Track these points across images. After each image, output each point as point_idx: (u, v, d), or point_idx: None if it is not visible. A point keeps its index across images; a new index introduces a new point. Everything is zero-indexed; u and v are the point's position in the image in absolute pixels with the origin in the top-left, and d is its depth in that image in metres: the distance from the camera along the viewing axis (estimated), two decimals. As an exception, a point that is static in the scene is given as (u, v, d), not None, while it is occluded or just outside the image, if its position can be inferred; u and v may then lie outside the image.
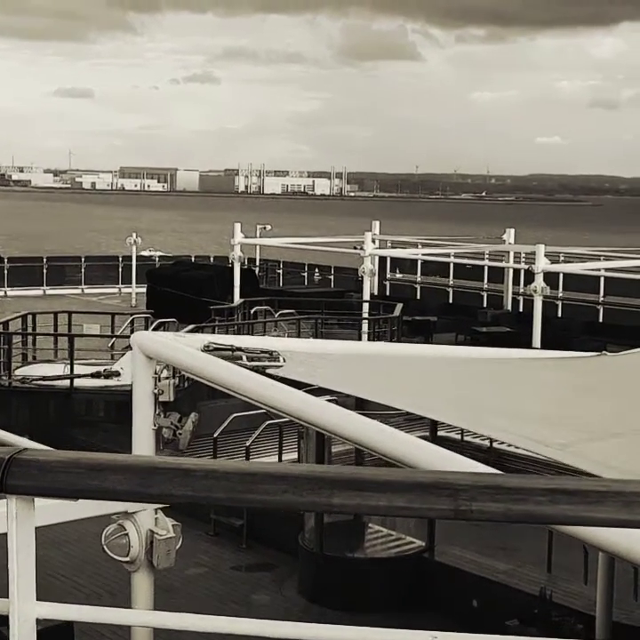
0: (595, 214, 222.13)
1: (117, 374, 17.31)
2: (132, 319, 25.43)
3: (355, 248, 29.12)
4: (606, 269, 29.45)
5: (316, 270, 39.58)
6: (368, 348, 8.26)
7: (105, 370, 17.53)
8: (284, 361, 5.71)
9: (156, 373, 5.81)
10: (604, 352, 7.48)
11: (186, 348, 5.65)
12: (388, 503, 1.45)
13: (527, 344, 23.57)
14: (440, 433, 14.73)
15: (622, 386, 6.63)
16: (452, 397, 5.65)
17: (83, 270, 41.66)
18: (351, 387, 6.06)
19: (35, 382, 18.33)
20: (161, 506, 5.96)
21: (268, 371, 5.62)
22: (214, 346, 5.74)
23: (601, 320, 30.75)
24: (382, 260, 34.38)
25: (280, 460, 15.09)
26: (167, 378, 5.89)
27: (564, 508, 1.41)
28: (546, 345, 23.78)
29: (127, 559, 5.93)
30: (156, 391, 5.81)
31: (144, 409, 5.82)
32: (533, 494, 1.42)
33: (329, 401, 9.70)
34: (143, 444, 5.85)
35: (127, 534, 5.78)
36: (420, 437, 12.46)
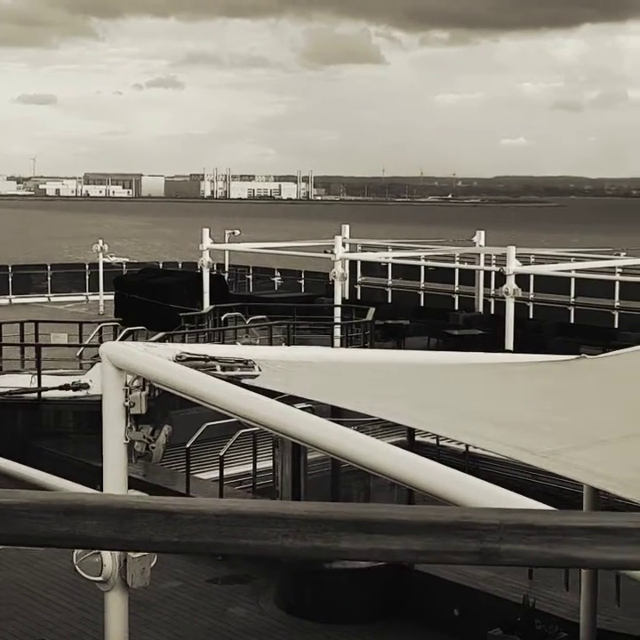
0: (558, 215, 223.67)
1: (86, 387, 17.00)
2: (101, 328, 25.10)
3: (325, 252, 28.99)
4: (577, 271, 29.50)
5: (277, 273, 39.47)
6: (344, 355, 8.08)
7: (73, 382, 17.21)
8: (260, 370, 5.54)
9: (126, 385, 5.63)
10: (583, 355, 7.37)
11: (157, 358, 5.46)
12: (405, 547, 1.26)
13: (500, 346, 23.52)
14: (417, 437, 14.62)
15: (604, 390, 6.51)
16: (431, 404, 5.50)
17: (49, 278, 41.22)
18: (328, 396, 5.90)
19: (0, 394, 18.00)
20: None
21: (243, 380, 5.44)
22: (187, 356, 5.55)
23: (572, 321, 30.78)
24: (353, 263, 34.25)
25: (254, 468, 14.90)
26: (137, 387, 5.70)
27: (605, 550, 1.23)
28: (518, 347, 23.74)
29: (100, 579, 5.73)
30: (127, 404, 5.63)
31: (115, 422, 5.64)
32: (570, 534, 1.23)
33: (305, 408, 9.54)
34: (115, 459, 5.67)
35: (99, 553, 5.60)
36: (398, 442, 12.38)
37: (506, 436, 4.98)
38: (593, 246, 37.36)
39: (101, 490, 5.74)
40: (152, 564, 5.81)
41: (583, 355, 7.36)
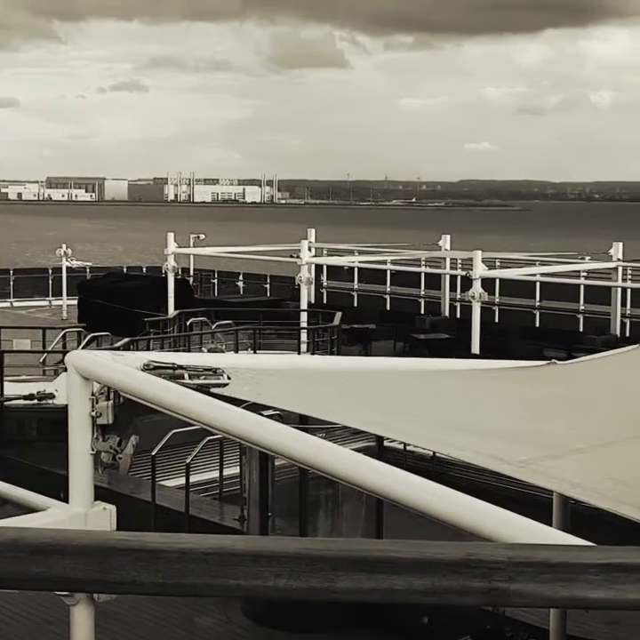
0: (522, 219, 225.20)
1: (52, 396, 16.78)
2: (64, 333, 24.82)
3: (291, 256, 28.90)
4: (542, 274, 29.62)
5: (241, 277, 39.36)
6: (316, 362, 7.99)
7: (38, 392, 16.98)
8: (229, 378, 5.45)
9: (93, 395, 5.53)
10: (553, 361, 7.35)
11: (124, 367, 5.36)
12: (407, 587, 1.16)
13: (466, 350, 23.56)
14: (384, 442, 14.55)
15: (576, 397, 6.48)
16: (402, 413, 5.43)
17: (11, 283, 40.79)
18: (301, 406, 5.82)
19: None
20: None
21: (213, 390, 5.35)
22: (154, 364, 5.45)
23: (538, 325, 30.89)
24: (318, 267, 34.19)
25: (221, 475, 14.78)
26: (102, 393, 5.62)
27: (623, 589, 1.14)
28: (484, 350, 23.80)
29: (65, 593, 5.61)
30: (93, 414, 5.53)
31: (81, 433, 5.53)
32: (584, 572, 1.14)
33: (273, 414, 9.43)
34: (80, 470, 5.56)
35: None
36: (367, 447, 12.30)
37: (481, 445, 4.93)
38: (555, 250, 37.51)
39: (66, 498, 5.63)
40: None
41: (553, 360, 7.35)
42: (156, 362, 5.50)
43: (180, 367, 5.49)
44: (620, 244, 29.14)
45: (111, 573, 1.18)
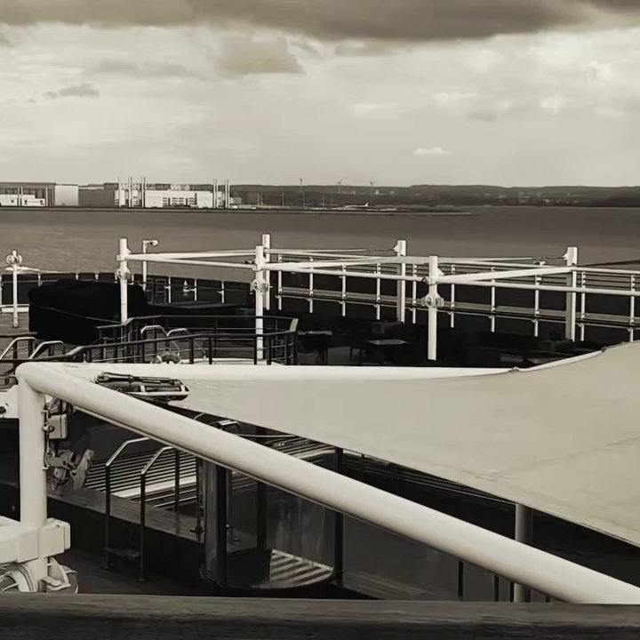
0: (473, 224, 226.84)
1: (2, 411, 16.42)
2: (15, 342, 24.39)
3: (246, 262, 28.68)
4: (497, 280, 29.67)
5: (185, 283, 39.10)
6: (274, 373, 7.83)
7: (-12, 407, 16.58)
8: (187, 390, 5.28)
9: (45, 408, 5.34)
10: (515, 368, 7.28)
11: (78, 380, 5.17)
12: (418, 660, 1.00)
13: (422, 356, 23.50)
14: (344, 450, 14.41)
15: (542, 406, 6.38)
16: (364, 425, 5.29)
17: (-40, 290, 40.15)
18: (259, 418, 5.65)
19: None
20: (54, 554, 5.49)
21: (170, 402, 5.18)
22: (109, 376, 5.26)
23: (493, 330, 30.93)
24: (273, 273, 33.98)
25: (177, 485, 14.53)
26: (58, 413, 5.42)
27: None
28: (441, 356, 23.76)
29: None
30: (46, 428, 5.34)
31: (33, 448, 5.35)
32: (623, 638, 0.98)
33: (230, 425, 9.24)
34: (33, 487, 5.37)
35: (17, 587, 5.30)
36: (326, 455, 12.10)
37: (447, 457, 4.81)
38: (508, 255, 37.67)
39: (17, 511, 5.43)
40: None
41: (515, 368, 7.27)
42: (110, 374, 5.33)
43: (136, 379, 5.33)
44: (575, 249, 29.27)
45: (67, 647, 1.00)
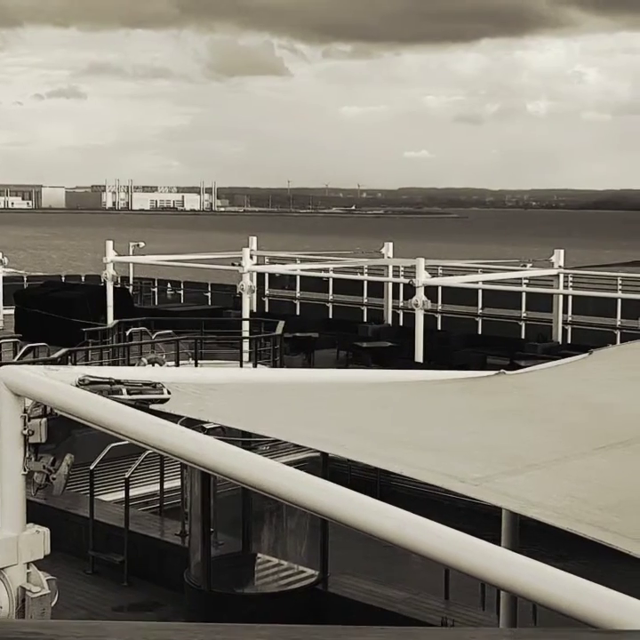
0: (460, 226, 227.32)
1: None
2: (0, 344, 24.28)
3: (233, 265, 28.58)
4: (484, 282, 29.66)
5: (169, 285, 39.00)
6: (258, 375, 7.75)
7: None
8: (169, 393, 5.21)
9: (25, 412, 5.26)
10: (502, 371, 7.23)
11: (58, 383, 5.09)
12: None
13: (409, 358, 23.47)
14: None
15: (529, 409, 6.33)
16: (349, 429, 5.22)
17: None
18: (243, 422, 5.58)
19: None
20: (34, 560, 5.42)
21: (152, 406, 5.10)
22: (90, 379, 5.19)
23: (480, 332, 30.93)
24: (260, 275, 33.91)
25: (162, 488, 14.44)
26: (38, 417, 5.34)
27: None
28: (428, 358, 23.74)
29: (-4, 623, 5.31)
30: (25, 432, 5.26)
31: (12, 452, 5.27)
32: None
33: (215, 428, 9.15)
34: (12, 492, 5.29)
35: (-5, 593, 5.22)
36: (311, 458, 12.03)
37: (433, 461, 4.76)
38: (495, 257, 37.73)
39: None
40: (53, 604, 5.43)
41: (502, 371, 7.23)
42: (91, 377, 5.26)
43: (118, 382, 5.26)
44: (562, 252, 29.29)
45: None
